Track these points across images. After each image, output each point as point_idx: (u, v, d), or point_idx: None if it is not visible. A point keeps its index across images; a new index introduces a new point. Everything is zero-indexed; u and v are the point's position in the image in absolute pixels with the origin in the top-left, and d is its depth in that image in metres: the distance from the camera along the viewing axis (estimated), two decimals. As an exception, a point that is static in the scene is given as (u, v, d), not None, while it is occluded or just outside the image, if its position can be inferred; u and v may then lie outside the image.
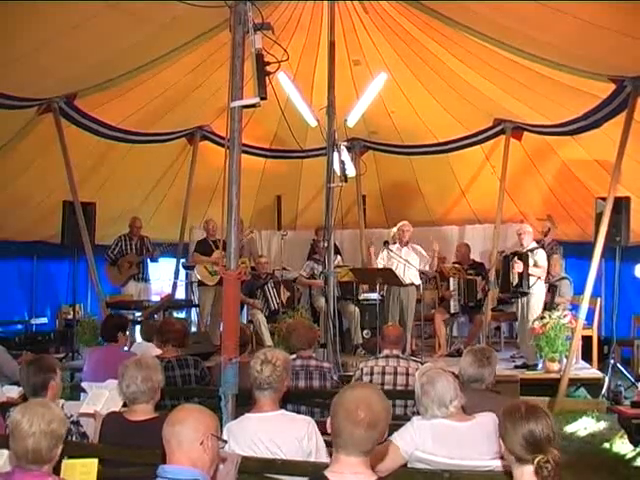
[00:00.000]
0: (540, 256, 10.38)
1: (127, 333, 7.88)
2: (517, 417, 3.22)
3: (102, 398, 5.05)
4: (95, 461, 3.54)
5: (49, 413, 3.34)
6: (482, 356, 4.97)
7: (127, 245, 12.32)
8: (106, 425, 4.52)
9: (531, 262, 10.29)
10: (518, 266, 10.25)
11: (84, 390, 5.67)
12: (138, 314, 11.13)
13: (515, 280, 10.34)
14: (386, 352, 6.71)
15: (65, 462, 3.57)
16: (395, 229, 11.54)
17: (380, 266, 11.24)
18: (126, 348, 7.94)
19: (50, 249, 12.77)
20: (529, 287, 10.29)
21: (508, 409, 3.32)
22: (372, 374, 6.54)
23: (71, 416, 4.56)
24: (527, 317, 10.24)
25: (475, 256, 12.77)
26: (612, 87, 9.05)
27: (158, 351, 6.93)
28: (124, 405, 4.75)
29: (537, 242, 11.02)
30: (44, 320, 13.35)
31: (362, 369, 6.66)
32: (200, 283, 12.36)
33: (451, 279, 11.66)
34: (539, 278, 10.35)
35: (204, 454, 3.19)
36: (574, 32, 7.68)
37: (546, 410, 3.32)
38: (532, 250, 10.44)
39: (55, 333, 12.85)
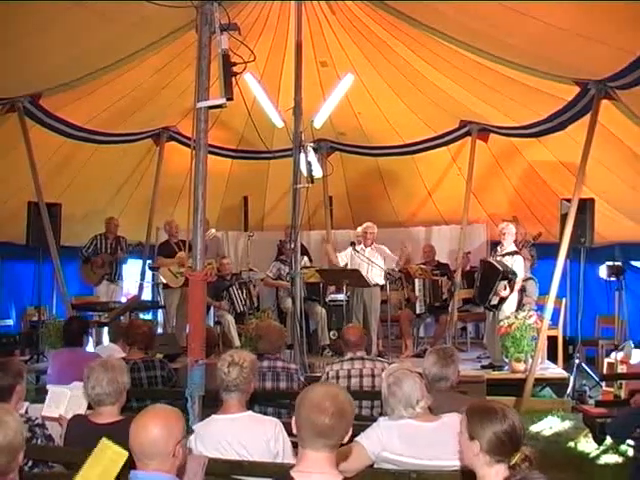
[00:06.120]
0: (517, 264, 10.28)
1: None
2: (495, 417, 3.17)
3: (64, 399, 4.98)
4: (126, 454, 3.45)
5: (4, 427, 3.23)
6: (445, 355, 5.01)
7: (102, 244, 12.26)
8: (71, 428, 4.48)
9: (508, 263, 10.31)
10: (504, 292, 10.10)
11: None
12: (104, 315, 11.06)
13: (495, 301, 10.22)
14: (350, 355, 6.62)
15: (104, 441, 3.47)
16: (360, 229, 11.57)
17: (342, 263, 11.29)
18: (90, 349, 7.91)
19: (15, 250, 12.63)
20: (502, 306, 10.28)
21: (479, 410, 3.26)
22: (338, 378, 6.47)
23: (36, 419, 4.52)
24: (498, 319, 10.19)
25: (441, 257, 12.85)
26: (576, 90, 9.14)
27: (122, 354, 6.90)
28: (89, 407, 4.72)
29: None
30: (9, 322, 13.20)
31: (328, 373, 6.59)
32: (165, 285, 12.31)
33: (416, 280, 11.71)
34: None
35: (176, 461, 3.19)
36: (539, 35, 7.73)
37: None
38: (512, 254, 10.42)
39: (20, 335, 12.70)
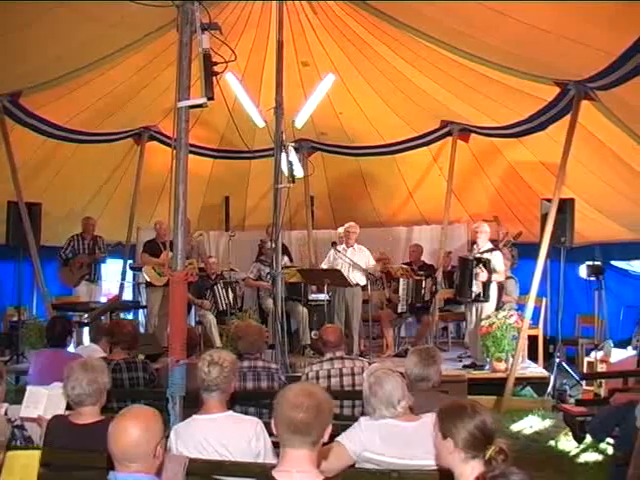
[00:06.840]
0: (497, 259, 10.39)
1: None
2: (465, 413, 3.23)
3: (42, 399, 4.94)
4: (37, 453, 3.49)
5: None
6: (427, 355, 5.04)
7: (79, 245, 12.18)
8: (51, 429, 4.44)
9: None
10: (483, 275, 10.20)
11: (30, 394, 5.57)
12: (85, 316, 11.00)
13: (479, 289, 10.28)
14: (329, 355, 6.63)
15: (9, 453, 3.50)
16: (342, 229, 11.59)
17: (325, 266, 11.30)
18: (71, 349, 7.87)
19: (-6, 250, 12.56)
20: (489, 295, 10.35)
21: (449, 408, 3.33)
22: (318, 378, 6.47)
23: (15, 420, 4.49)
24: (480, 318, 10.23)
25: (423, 256, 12.84)
26: (557, 90, 9.17)
27: (103, 354, 6.87)
28: (68, 407, 4.68)
29: (492, 242, 11.03)
30: (-12, 322, 13.13)
31: (307, 374, 6.59)
32: (148, 284, 12.22)
33: (401, 279, 11.69)
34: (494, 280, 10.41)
35: (156, 461, 3.18)
36: (519, 36, 7.74)
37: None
38: (490, 251, 10.48)
39: (0, 335, 12.63)
